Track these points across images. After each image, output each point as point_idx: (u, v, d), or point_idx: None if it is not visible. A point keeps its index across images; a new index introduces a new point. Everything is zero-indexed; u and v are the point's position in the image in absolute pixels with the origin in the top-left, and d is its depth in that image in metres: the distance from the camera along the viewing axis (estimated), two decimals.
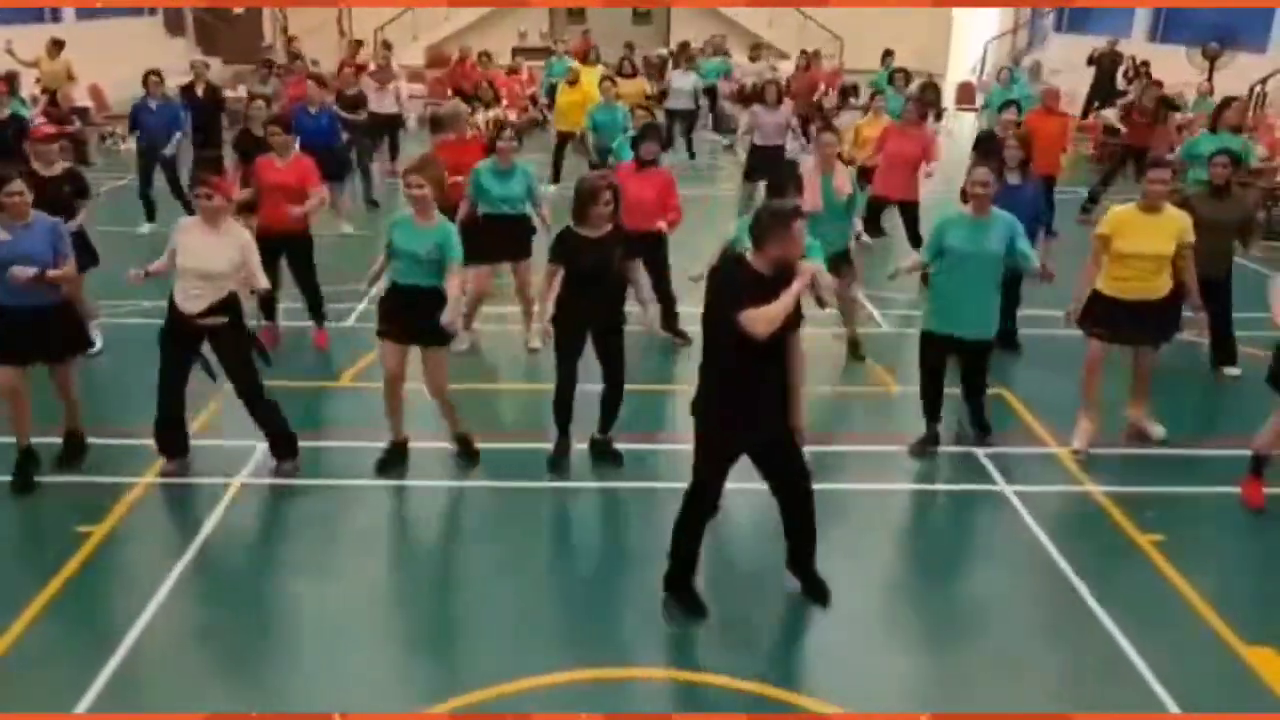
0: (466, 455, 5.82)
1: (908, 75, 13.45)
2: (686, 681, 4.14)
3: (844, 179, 7.06)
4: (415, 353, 5.55)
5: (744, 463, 4.41)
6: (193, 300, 5.29)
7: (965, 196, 5.82)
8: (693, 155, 15.45)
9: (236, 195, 5.33)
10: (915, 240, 9.16)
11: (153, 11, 23.05)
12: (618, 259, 5.52)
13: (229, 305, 5.37)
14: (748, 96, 15.34)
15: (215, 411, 6.30)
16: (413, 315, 5.36)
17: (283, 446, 5.66)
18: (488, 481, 5.70)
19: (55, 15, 19.14)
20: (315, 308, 7.61)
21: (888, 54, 16.00)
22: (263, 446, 5.73)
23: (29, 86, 13.86)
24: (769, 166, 10.01)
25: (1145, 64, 16.45)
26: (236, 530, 5.21)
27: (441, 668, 4.22)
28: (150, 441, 5.60)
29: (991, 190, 5.67)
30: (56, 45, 14.22)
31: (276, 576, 4.89)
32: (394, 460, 5.72)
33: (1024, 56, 18.00)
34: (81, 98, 15.24)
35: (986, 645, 4.45)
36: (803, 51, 17.10)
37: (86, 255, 6.72)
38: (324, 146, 9.89)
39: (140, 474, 5.58)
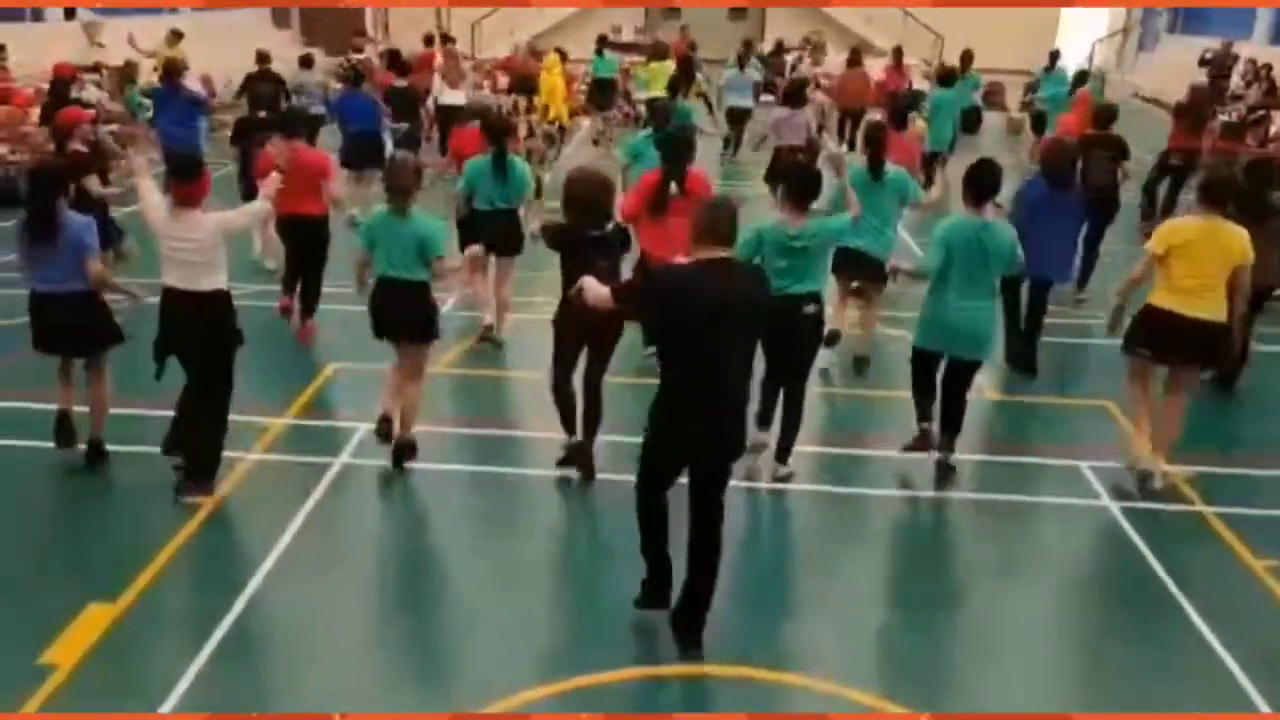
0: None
1: (949, 73, 12.75)
2: (761, 681, 4.11)
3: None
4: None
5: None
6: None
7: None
8: (734, 152, 15.04)
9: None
10: None
11: (262, 5, 23.92)
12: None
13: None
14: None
15: (318, 390, 6.48)
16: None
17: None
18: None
19: (173, 7, 19.98)
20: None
21: (967, 58, 14.48)
22: (366, 427, 5.85)
23: (146, 75, 14.45)
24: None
25: (1267, 67, 15.73)
26: (337, 510, 5.34)
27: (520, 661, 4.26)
28: (257, 419, 5.80)
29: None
30: (176, 35, 14.79)
31: (372, 559, 5.00)
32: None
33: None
34: (193, 87, 15.78)
35: (1089, 662, 4.32)
36: (853, 49, 15.83)
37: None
38: (365, 131, 10.29)
39: (250, 449, 5.76)
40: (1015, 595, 4.82)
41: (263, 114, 9.40)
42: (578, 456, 5.60)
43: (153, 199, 5.25)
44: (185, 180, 5.13)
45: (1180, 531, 5.35)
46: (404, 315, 5.50)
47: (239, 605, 4.44)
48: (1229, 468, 5.94)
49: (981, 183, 5.45)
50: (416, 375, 5.68)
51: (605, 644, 4.27)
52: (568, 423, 5.62)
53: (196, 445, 5.31)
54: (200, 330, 5.14)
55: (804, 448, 5.86)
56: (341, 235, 7.18)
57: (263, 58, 12.71)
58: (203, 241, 5.05)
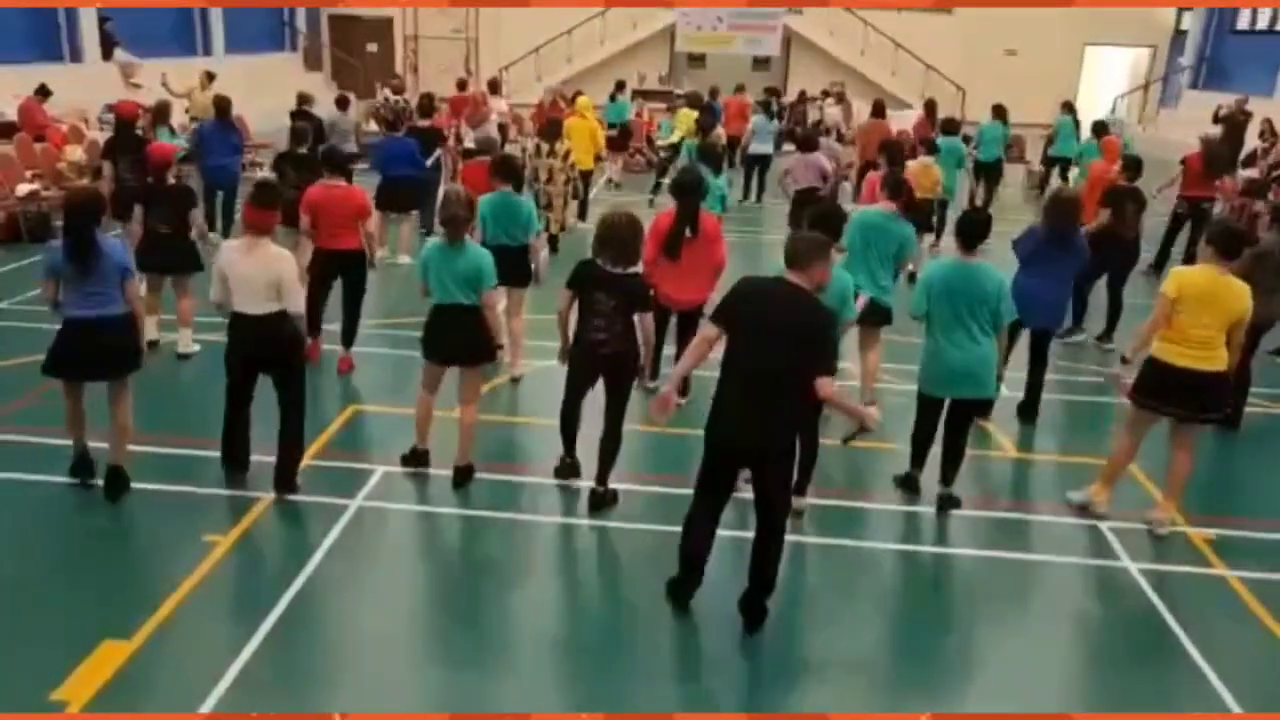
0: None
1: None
2: None
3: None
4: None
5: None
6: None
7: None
8: (759, 199, 15.38)
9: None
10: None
11: (294, 48, 24.44)
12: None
13: None
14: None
15: (337, 432, 6.52)
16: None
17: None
18: (616, 523, 5.73)
19: (207, 49, 20.44)
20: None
21: (1001, 112, 14.81)
22: (384, 469, 5.86)
23: (178, 116, 14.77)
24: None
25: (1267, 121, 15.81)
26: (353, 552, 5.33)
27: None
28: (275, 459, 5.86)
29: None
30: (210, 77, 15.09)
31: (389, 601, 4.98)
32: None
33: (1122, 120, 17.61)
34: None
35: None
36: (876, 101, 15.97)
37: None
38: (403, 175, 10.57)
39: (267, 489, 5.76)
40: (1029, 653, 4.76)
41: (302, 150, 9.60)
42: (570, 471, 5.87)
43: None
44: (261, 206, 5.50)
45: (1204, 596, 5.26)
46: (460, 339, 5.75)
47: (253, 645, 4.44)
48: (1255, 531, 5.86)
49: (971, 230, 5.75)
50: (471, 397, 5.91)
51: (623, 688, 4.25)
52: (567, 440, 5.84)
53: (280, 454, 5.70)
54: (270, 350, 5.53)
55: (811, 500, 5.86)
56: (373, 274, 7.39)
57: (304, 99, 13.05)
58: (270, 274, 5.41)
